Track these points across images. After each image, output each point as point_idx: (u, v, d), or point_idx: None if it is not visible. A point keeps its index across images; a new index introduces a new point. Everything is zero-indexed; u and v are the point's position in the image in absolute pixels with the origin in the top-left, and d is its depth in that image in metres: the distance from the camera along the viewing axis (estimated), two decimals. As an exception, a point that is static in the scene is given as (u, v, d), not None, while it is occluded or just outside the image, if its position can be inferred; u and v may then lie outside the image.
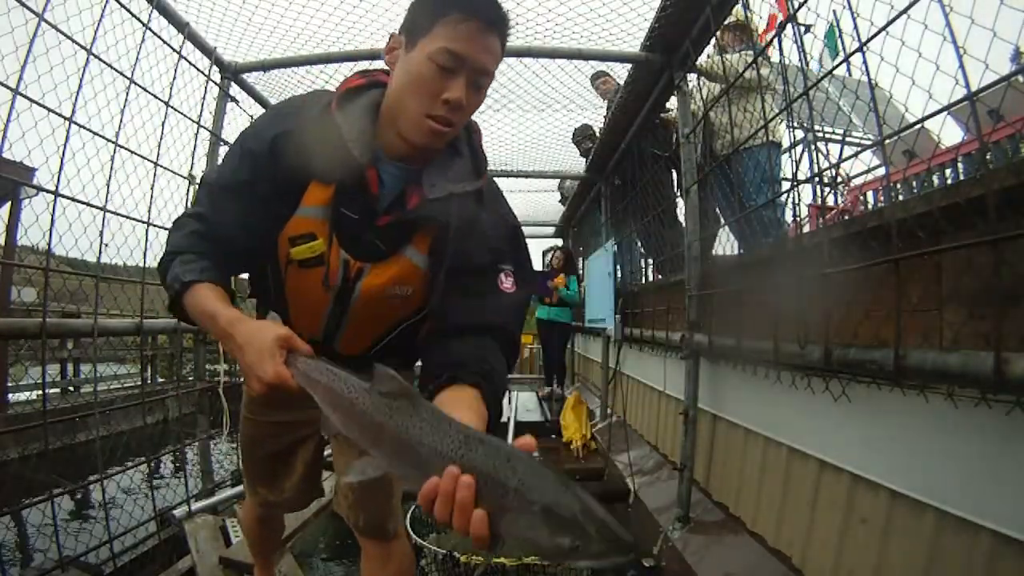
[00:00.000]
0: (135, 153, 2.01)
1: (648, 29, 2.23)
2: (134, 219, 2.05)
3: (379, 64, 0.98)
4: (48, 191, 1.65)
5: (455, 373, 0.73)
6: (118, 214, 1.96)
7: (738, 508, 1.96)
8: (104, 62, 1.83)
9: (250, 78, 2.74)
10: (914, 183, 3.02)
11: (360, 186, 0.83)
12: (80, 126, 1.72)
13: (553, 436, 3.98)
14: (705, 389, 2.18)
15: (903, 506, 1.20)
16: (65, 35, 1.66)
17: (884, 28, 1.14)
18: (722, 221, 2.63)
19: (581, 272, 5.64)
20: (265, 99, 2.95)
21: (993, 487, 1.00)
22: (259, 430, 1.16)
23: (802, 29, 2.86)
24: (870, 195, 4.18)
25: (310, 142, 0.82)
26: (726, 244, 2.38)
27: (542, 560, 1.85)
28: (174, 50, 2.19)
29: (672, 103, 2.79)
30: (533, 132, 3.85)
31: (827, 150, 3.78)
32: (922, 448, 1.16)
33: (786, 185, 2.70)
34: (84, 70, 1.73)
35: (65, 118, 1.66)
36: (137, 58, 1.96)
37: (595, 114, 3.83)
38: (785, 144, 2.92)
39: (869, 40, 1.18)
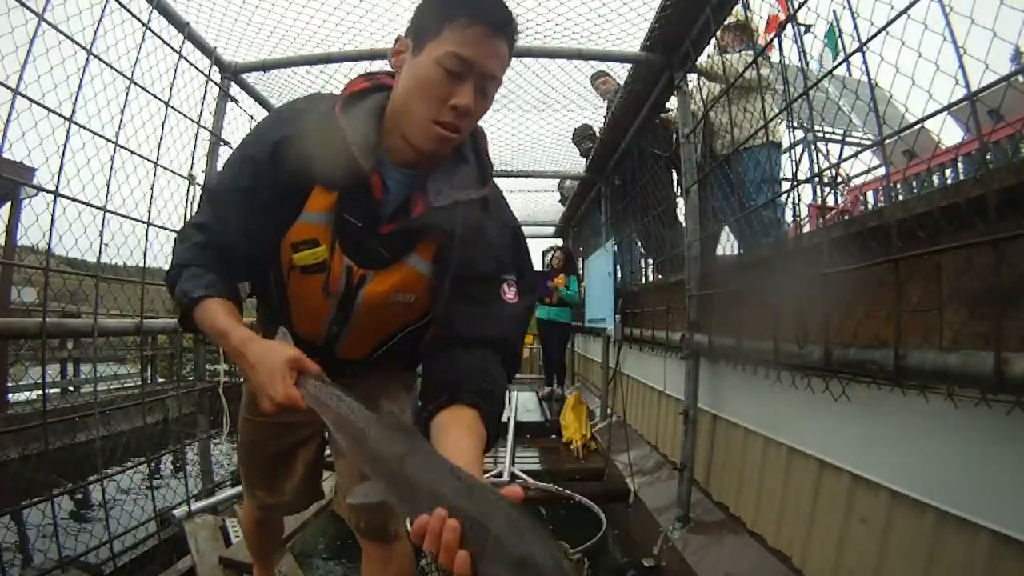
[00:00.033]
0: (135, 153, 2.01)
1: (648, 29, 2.23)
2: (134, 219, 2.05)
3: (380, 64, 0.98)
4: (48, 191, 1.65)
5: (455, 394, 0.74)
6: (118, 214, 1.96)
7: (738, 508, 1.96)
8: (104, 62, 1.83)
9: (250, 78, 2.74)
10: (914, 183, 3.02)
11: (364, 192, 0.83)
12: (80, 126, 1.72)
13: (553, 436, 3.98)
14: (705, 389, 2.18)
15: (903, 506, 1.20)
16: (65, 35, 1.66)
17: (884, 28, 1.14)
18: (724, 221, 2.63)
19: (581, 272, 5.64)
20: (265, 99, 2.95)
21: (993, 487, 1.00)
22: (260, 432, 1.16)
23: (802, 29, 2.86)
24: (870, 195, 4.18)
25: (313, 147, 0.81)
26: (726, 244, 2.38)
27: None
28: (174, 50, 2.19)
29: (672, 103, 2.79)
30: (533, 132, 3.85)
31: (827, 150, 3.78)
32: (922, 448, 1.16)
33: (786, 185, 2.70)
34: (84, 70, 1.73)
35: (65, 118, 1.65)
36: (137, 58, 1.96)
37: (595, 114, 3.83)
38: (785, 144, 2.92)
39: (869, 40, 1.18)
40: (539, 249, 7.72)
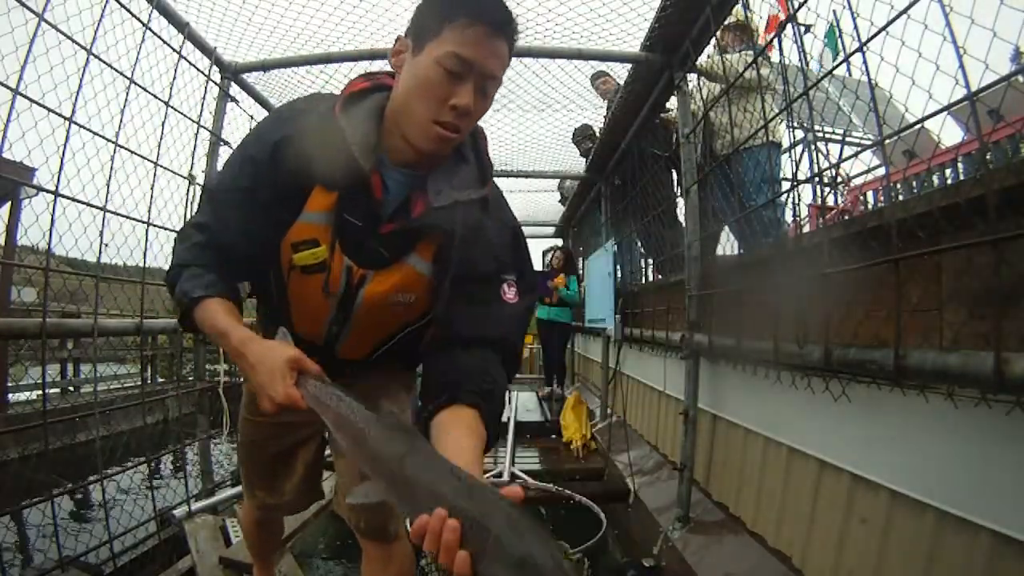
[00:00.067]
0: (135, 153, 2.01)
1: (648, 29, 2.23)
2: (134, 219, 2.05)
3: (380, 64, 0.98)
4: (48, 191, 1.65)
5: (455, 394, 0.74)
6: (118, 214, 1.96)
7: (738, 508, 1.96)
8: (104, 62, 1.83)
9: (250, 78, 2.74)
10: (914, 183, 3.02)
11: (364, 192, 0.83)
12: (80, 126, 1.72)
13: (553, 436, 3.98)
14: (705, 389, 2.18)
15: (903, 506, 1.20)
16: (65, 35, 1.66)
17: (884, 28, 1.14)
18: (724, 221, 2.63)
19: (581, 272, 5.64)
20: (265, 99, 2.95)
21: (993, 487, 1.00)
22: (260, 432, 1.16)
23: (802, 29, 2.86)
24: (870, 195, 4.18)
25: (313, 147, 0.81)
26: (726, 244, 2.38)
27: None
28: (174, 50, 2.19)
29: (672, 103, 2.79)
30: (533, 132, 3.85)
31: (827, 150, 3.78)
32: (922, 448, 1.16)
33: (786, 185, 2.70)
34: (84, 70, 1.73)
35: (65, 118, 1.65)
36: (137, 58, 1.96)
37: (595, 114, 3.83)
38: (785, 144, 2.92)
39: (869, 40, 1.18)
40: (539, 249, 7.74)
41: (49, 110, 1.61)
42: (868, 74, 1.25)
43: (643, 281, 3.67)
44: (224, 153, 2.57)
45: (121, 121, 1.90)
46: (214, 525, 2.13)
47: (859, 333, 1.26)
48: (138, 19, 1.95)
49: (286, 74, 2.86)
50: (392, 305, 0.90)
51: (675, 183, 3.13)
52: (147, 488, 2.30)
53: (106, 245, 1.91)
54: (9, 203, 4.45)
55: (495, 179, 0.94)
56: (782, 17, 2.57)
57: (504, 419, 3.58)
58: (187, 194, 2.32)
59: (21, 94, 1.48)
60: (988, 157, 1.20)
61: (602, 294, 3.81)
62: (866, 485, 1.31)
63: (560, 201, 6.14)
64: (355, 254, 0.86)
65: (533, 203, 6.38)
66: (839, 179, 3.65)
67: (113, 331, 2.06)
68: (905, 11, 1.07)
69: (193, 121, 2.36)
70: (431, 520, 0.51)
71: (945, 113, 1.05)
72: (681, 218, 2.77)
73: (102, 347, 2.76)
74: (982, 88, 0.95)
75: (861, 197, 4.12)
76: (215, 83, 2.52)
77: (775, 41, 2.26)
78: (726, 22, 2.35)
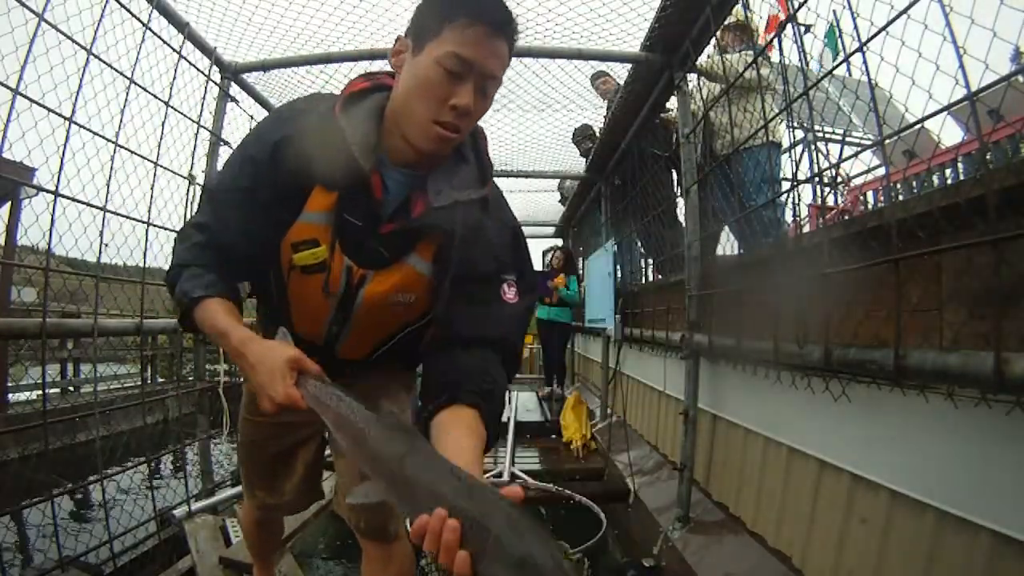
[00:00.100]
0: (135, 153, 2.01)
1: (648, 29, 2.23)
2: (134, 219, 2.05)
3: (380, 64, 0.98)
4: (48, 191, 1.65)
5: (455, 394, 0.74)
6: (118, 214, 1.96)
7: (738, 508, 1.96)
8: (104, 62, 1.83)
9: (250, 78, 2.74)
10: (914, 183, 3.02)
11: (364, 192, 0.83)
12: (80, 126, 1.72)
13: (553, 436, 3.98)
14: (705, 389, 2.18)
15: (903, 506, 1.20)
16: (65, 35, 1.66)
17: (884, 28, 1.14)
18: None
19: (581, 272, 5.64)
20: (265, 99, 2.95)
21: (993, 487, 1.00)
22: (260, 432, 1.16)
23: (802, 29, 2.86)
24: (870, 195, 4.18)
25: (313, 147, 0.81)
26: (726, 244, 2.38)
27: None
28: (174, 50, 2.19)
29: (672, 103, 2.78)
30: (533, 132, 3.85)
31: (827, 150, 3.78)
32: (922, 448, 1.16)
33: (786, 185, 2.70)
34: (84, 70, 1.73)
35: (65, 118, 1.65)
36: (137, 58, 1.96)
37: (595, 114, 3.83)
38: (785, 144, 2.92)
39: (869, 40, 1.18)
40: (539, 249, 7.74)
41: (49, 110, 1.61)
42: (868, 74, 1.25)
43: (643, 281, 3.67)
44: (224, 153, 2.57)
45: (121, 121, 1.90)
46: (214, 525, 2.13)
47: (859, 333, 1.26)
48: (138, 19, 1.95)
49: (286, 74, 2.86)
50: (392, 305, 0.90)
51: (675, 183, 3.13)
52: (147, 488, 2.30)
53: (106, 245, 1.91)
54: (9, 203, 4.46)
55: (495, 179, 0.94)
56: (782, 17, 2.57)
57: (504, 419, 3.59)
58: (187, 194, 2.32)
59: (21, 94, 1.48)
60: (988, 157, 1.20)
61: (602, 294, 3.81)
62: (866, 485, 1.31)
63: (560, 201, 6.14)
64: (355, 254, 0.86)
65: (533, 203, 6.38)
66: (839, 179, 3.65)
67: (113, 331, 2.06)
68: (905, 11, 1.07)
69: (193, 121, 2.36)
70: (431, 520, 0.51)
71: (945, 113, 1.05)
72: (681, 218, 2.77)
73: (102, 347, 2.76)
74: (982, 88, 0.95)
75: (861, 197, 4.12)
76: (215, 83, 2.52)
77: (775, 41, 2.26)
78: (726, 22, 2.35)
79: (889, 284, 1.11)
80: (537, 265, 6.78)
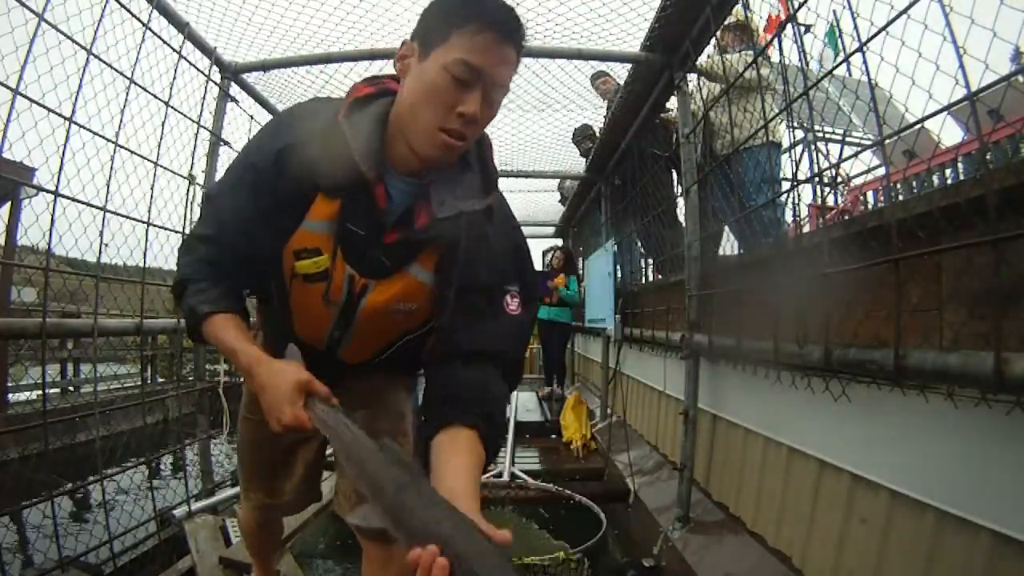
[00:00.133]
0: (135, 153, 2.01)
1: (648, 29, 2.23)
2: (134, 219, 2.05)
3: (380, 64, 0.98)
4: (48, 191, 1.65)
5: (455, 413, 0.76)
6: (118, 214, 1.95)
7: (738, 508, 1.96)
8: (104, 62, 1.83)
9: (250, 78, 2.74)
10: (914, 183, 3.02)
11: (367, 201, 0.82)
12: (80, 126, 1.71)
13: (553, 436, 3.98)
14: (705, 389, 2.18)
15: (903, 506, 1.20)
16: (65, 35, 1.66)
17: (884, 28, 1.14)
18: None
19: (581, 272, 5.64)
20: (265, 99, 2.95)
21: (993, 487, 1.00)
22: (260, 431, 1.16)
23: (802, 29, 2.86)
24: (870, 195, 4.18)
25: (316, 155, 0.80)
26: (726, 245, 2.38)
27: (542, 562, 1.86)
28: (174, 50, 2.19)
29: (672, 103, 2.79)
30: (533, 132, 3.85)
31: (827, 150, 3.78)
32: (922, 448, 1.16)
33: (786, 185, 2.70)
34: (84, 70, 1.73)
35: (65, 118, 1.65)
36: (137, 58, 1.96)
37: (595, 114, 3.83)
38: (785, 144, 2.92)
39: (869, 40, 1.18)
40: (539, 249, 7.74)
41: (49, 110, 1.61)
42: (868, 74, 1.25)
43: (643, 281, 3.67)
44: (224, 153, 2.57)
45: (121, 121, 1.90)
46: (214, 525, 2.13)
47: (859, 333, 1.26)
48: (138, 19, 1.95)
49: (286, 74, 2.86)
50: (393, 313, 0.90)
51: (675, 183, 3.13)
52: (147, 488, 2.30)
53: (106, 245, 1.91)
54: (9, 203, 4.46)
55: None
56: (782, 17, 2.57)
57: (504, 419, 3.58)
58: (187, 194, 2.32)
59: (21, 94, 1.48)
60: (988, 157, 1.20)
61: (602, 294, 3.81)
62: (866, 485, 1.31)
63: (560, 201, 6.14)
64: (357, 263, 0.86)
65: (533, 203, 6.38)
66: (839, 179, 3.65)
67: (113, 331, 2.06)
68: (905, 11, 1.07)
69: (193, 121, 2.36)
70: (423, 554, 0.52)
71: (945, 113, 1.05)
72: (681, 218, 2.77)
73: (102, 347, 2.76)
74: (982, 88, 0.95)
75: (861, 197, 4.13)
76: (215, 83, 2.52)
77: (775, 41, 2.26)
78: (726, 22, 2.35)
79: (889, 284, 1.11)
80: (537, 265, 6.78)
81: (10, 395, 5.52)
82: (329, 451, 1.28)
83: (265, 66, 2.66)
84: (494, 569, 0.51)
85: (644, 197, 3.30)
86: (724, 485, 2.10)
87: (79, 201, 1.76)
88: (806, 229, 2.36)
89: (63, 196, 1.68)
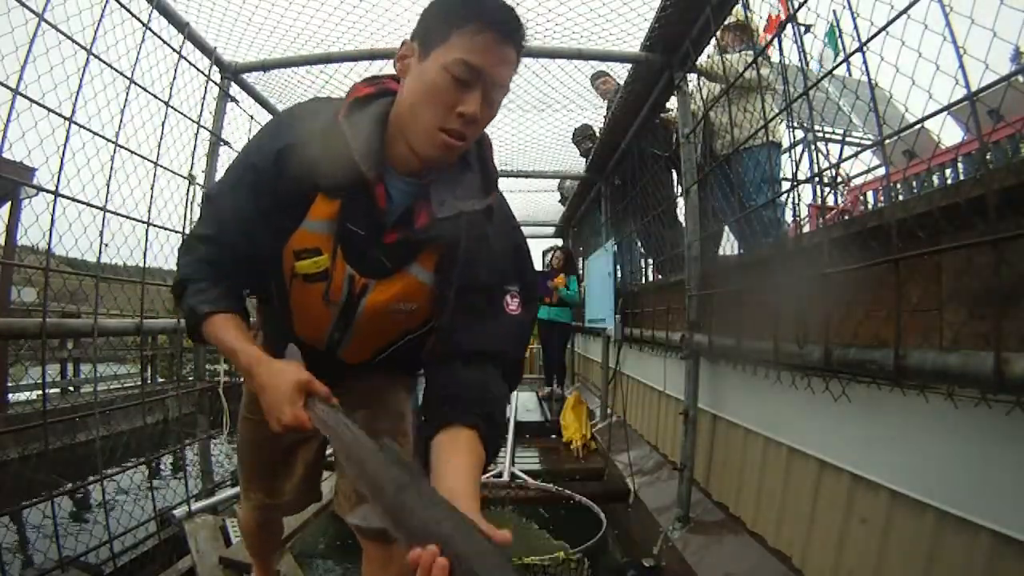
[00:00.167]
0: (135, 153, 2.01)
1: (648, 29, 2.23)
2: (134, 219, 2.05)
3: (380, 64, 0.98)
4: (48, 191, 1.65)
5: (455, 413, 0.76)
6: (118, 214, 1.95)
7: (738, 508, 1.96)
8: (104, 62, 1.83)
9: (250, 78, 2.74)
10: (914, 183, 3.02)
11: (367, 202, 0.82)
12: (80, 126, 1.71)
13: (553, 436, 3.98)
14: (705, 389, 2.18)
15: (903, 506, 1.20)
16: (65, 35, 1.66)
17: (884, 28, 1.14)
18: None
19: (581, 272, 5.64)
20: (265, 99, 2.95)
21: (993, 487, 1.00)
22: (259, 432, 1.16)
23: (802, 29, 2.86)
24: (870, 195, 4.18)
25: (316, 156, 0.80)
26: (726, 245, 2.38)
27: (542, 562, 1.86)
28: (174, 50, 2.19)
29: (672, 103, 2.79)
30: (533, 132, 3.85)
31: (827, 150, 3.78)
32: (922, 448, 1.16)
33: (786, 185, 2.70)
34: (84, 70, 1.73)
35: (65, 118, 1.65)
36: (137, 58, 1.96)
37: (595, 114, 3.83)
38: (785, 144, 2.92)
39: (869, 40, 1.18)
40: (539, 249, 7.74)
41: (49, 110, 1.61)
42: (868, 74, 1.25)
43: (643, 281, 3.67)
44: (224, 153, 2.57)
45: (121, 121, 1.90)
46: (214, 525, 2.13)
47: (859, 333, 1.26)
48: (138, 19, 1.95)
49: (286, 74, 2.86)
50: (393, 313, 0.90)
51: (675, 183, 3.13)
52: (147, 488, 2.30)
53: (106, 245, 1.91)
54: (9, 203, 4.46)
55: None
56: (782, 17, 2.57)
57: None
58: (187, 194, 2.32)
59: (21, 94, 1.48)
60: (988, 157, 1.20)
61: (602, 294, 3.81)
62: (866, 485, 1.31)
63: (560, 201, 6.14)
64: (357, 263, 0.86)
65: (533, 203, 6.38)
66: (839, 179, 3.65)
67: (113, 331, 2.06)
68: (905, 11, 1.07)
69: (193, 121, 2.36)
70: (423, 554, 0.52)
71: (945, 113, 1.05)
72: (681, 218, 2.77)
73: (102, 347, 2.76)
74: (982, 88, 0.95)
75: (861, 197, 4.13)
76: (215, 83, 2.52)
77: (775, 41, 2.26)
78: (726, 22, 2.35)
79: (889, 284, 1.11)
80: (537, 265, 6.78)
81: (10, 395, 5.52)
82: (329, 451, 1.28)
83: (265, 66, 2.66)
84: (494, 569, 0.51)
85: (644, 197, 3.30)
86: (724, 485, 2.10)
87: (79, 201, 1.76)
88: (806, 229, 2.36)
89: (63, 196, 1.68)
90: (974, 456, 1.04)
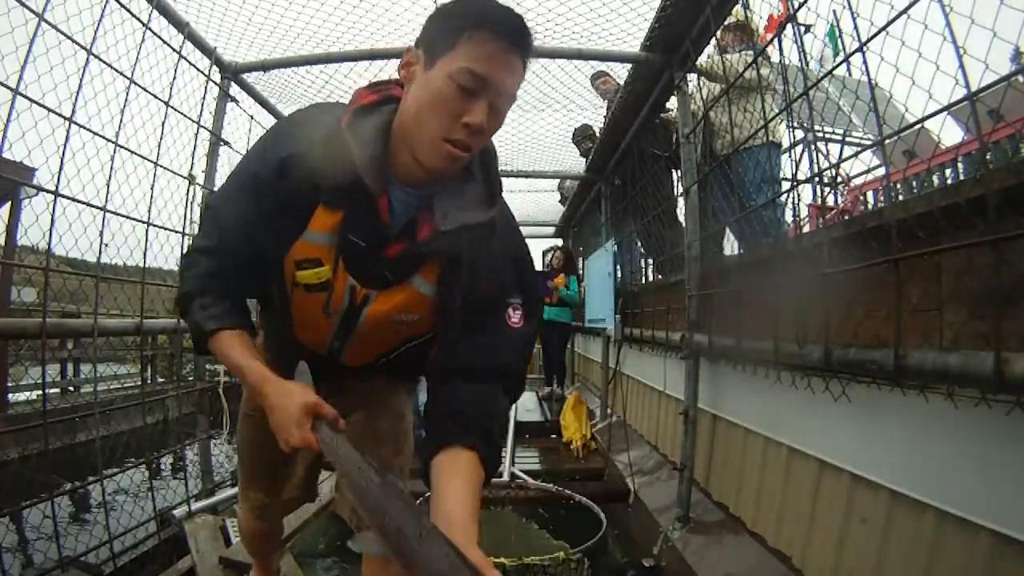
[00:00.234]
0: (135, 153, 2.01)
1: (648, 29, 2.23)
2: (134, 219, 2.05)
3: (380, 64, 0.97)
4: (48, 191, 1.65)
5: (455, 433, 0.77)
6: (118, 214, 1.95)
7: (738, 508, 1.96)
8: (104, 62, 1.83)
9: (250, 78, 2.74)
10: (914, 183, 3.02)
11: (370, 213, 0.81)
12: (80, 126, 1.71)
13: (553, 436, 3.98)
14: (705, 389, 2.18)
15: (903, 506, 1.20)
16: (65, 35, 1.66)
17: (884, 28, 1.14)
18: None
19: (581, 272, 5.64)
20: (265, 99, 2.95)
21: (993, 487, 1.00)
22: (260, 431, 1.15)
23: (802, 29, 2.86)
24: (870, 195, 4.18)
25: (318, 165, 0.79)
26: (727, 245, 2.38)
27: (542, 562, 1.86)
28: (174, 50, 2.19)
29: (672, 103, 2.79)
30: (533, 132, 3.85)
31: (827, 150, 3.78)
32: (922, 448, 1.16)
33: (786, 185, 2.70)
34: (84, 70, 1.73)
35: (65, 118, 1.65)
36: (137, 58, 1.96)
37: (595, 114, 3.83)
38: (785, 144, 2.92)
39: (869, 40, 1.18)
40: (539, 249, 7.74)
41: (49, 110, 1.61)
42: (868, 74, 1.25)
43: (643, 281, 3.67)
44: (224, 153, 2.57)
45: (121, 121, 1.90)
46: (214, 525, 2.13)
47: (859, 333, 1.26)
48: (138, 19, 1.95)
49: (286, 74, 2.86)
50: (395, 323, 0.90)
51: (675, 183, 3.14)
52: (147, 488, 2.30)
53: (106, 245, 1.91)
54: (9, 203, 4.46)
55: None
56: (783, 17, 2.57)
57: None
58: (187, 194, 2.32)
59: (21, 94, 1.48)
60: (988, 157, 1.20)
61: (602, 294, 3.81)
62: (866, 485, 1.31)
63: (560, 201, 6.14)
64: (359, 274, 0.85)
65: (533, 203, 6.38)
66: (839, 179, 3.65)
67: (113, 331, 2.06)
68: (905, 11, 1.07)
69: (193, 121, 2.36)
70: None
71: (945, 113, 1.05)
72: (681, 218, 2.77)
73: (102, 347, 2.76)
74: (982, 88, 0.95)
75: (861, 197, 4.13)
76: (215, 83, 2.52)
77: (775, 41, 2.26)
78: (726, 22, 2.35)
79: (889, 284, 1.11)
80: (537, 265, 6.78)
81: (10, 395, 5.52)
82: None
83: (265, 66, 2.66)
84: None
85: (644, 197, 3.30)
86: (724, 485, 2.10)
87: (79, 201, 1.76)
88: (806, 229, 2.36)
89: (63, 196, 1.68)
90: (974, 456, 1.04)
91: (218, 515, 2.26)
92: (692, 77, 2.38)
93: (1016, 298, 0.88)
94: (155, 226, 2.12)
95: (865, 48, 1.20)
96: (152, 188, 2.10)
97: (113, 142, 1.88)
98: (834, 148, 3.95)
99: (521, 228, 0.98)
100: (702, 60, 2.35)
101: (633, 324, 3.33)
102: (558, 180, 5.57)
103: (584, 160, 4.36)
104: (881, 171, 3.42)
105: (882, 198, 3.63)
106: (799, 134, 3.16)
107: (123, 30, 1.93)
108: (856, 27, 1.22)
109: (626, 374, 3.57)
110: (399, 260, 0.84)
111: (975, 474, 1.04)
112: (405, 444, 1.13)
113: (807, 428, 1.58)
